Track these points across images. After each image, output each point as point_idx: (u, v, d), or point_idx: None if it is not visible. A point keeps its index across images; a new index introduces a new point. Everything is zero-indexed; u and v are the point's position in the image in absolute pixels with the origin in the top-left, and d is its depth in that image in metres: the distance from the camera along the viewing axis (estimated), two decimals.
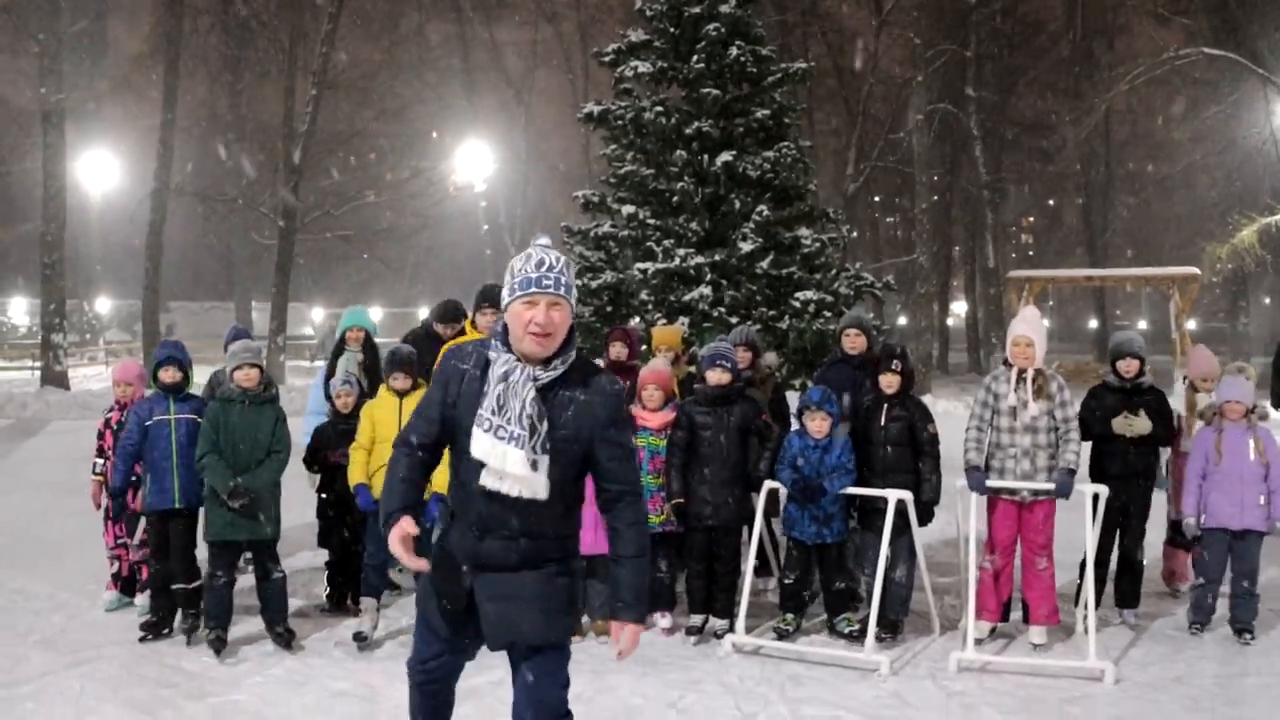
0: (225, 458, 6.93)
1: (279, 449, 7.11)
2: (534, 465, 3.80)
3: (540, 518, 3.92)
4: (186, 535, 7.21)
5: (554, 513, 3.95)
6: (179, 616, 7.25)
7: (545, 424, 3.82)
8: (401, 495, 3.98)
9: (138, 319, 35.59)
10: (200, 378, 8.24)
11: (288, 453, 7.19)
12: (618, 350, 8.80)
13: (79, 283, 46.36)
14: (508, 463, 3.79)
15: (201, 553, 7.21)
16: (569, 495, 4.02)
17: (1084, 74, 42.44)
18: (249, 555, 7.73)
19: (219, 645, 6.92)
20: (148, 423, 7.12)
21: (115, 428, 7.76)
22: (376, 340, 9.39)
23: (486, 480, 3.84)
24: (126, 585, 7.95)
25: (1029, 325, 7.36)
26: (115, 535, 7.88)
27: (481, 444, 3.83)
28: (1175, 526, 8.22)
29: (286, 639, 7.08)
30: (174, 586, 7.16)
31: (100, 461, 7.87)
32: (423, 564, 3.96)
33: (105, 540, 7.96)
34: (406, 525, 3.87)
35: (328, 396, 8.23)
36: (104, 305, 58.30)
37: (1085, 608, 7.12)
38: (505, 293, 3.89)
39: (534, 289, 3.81)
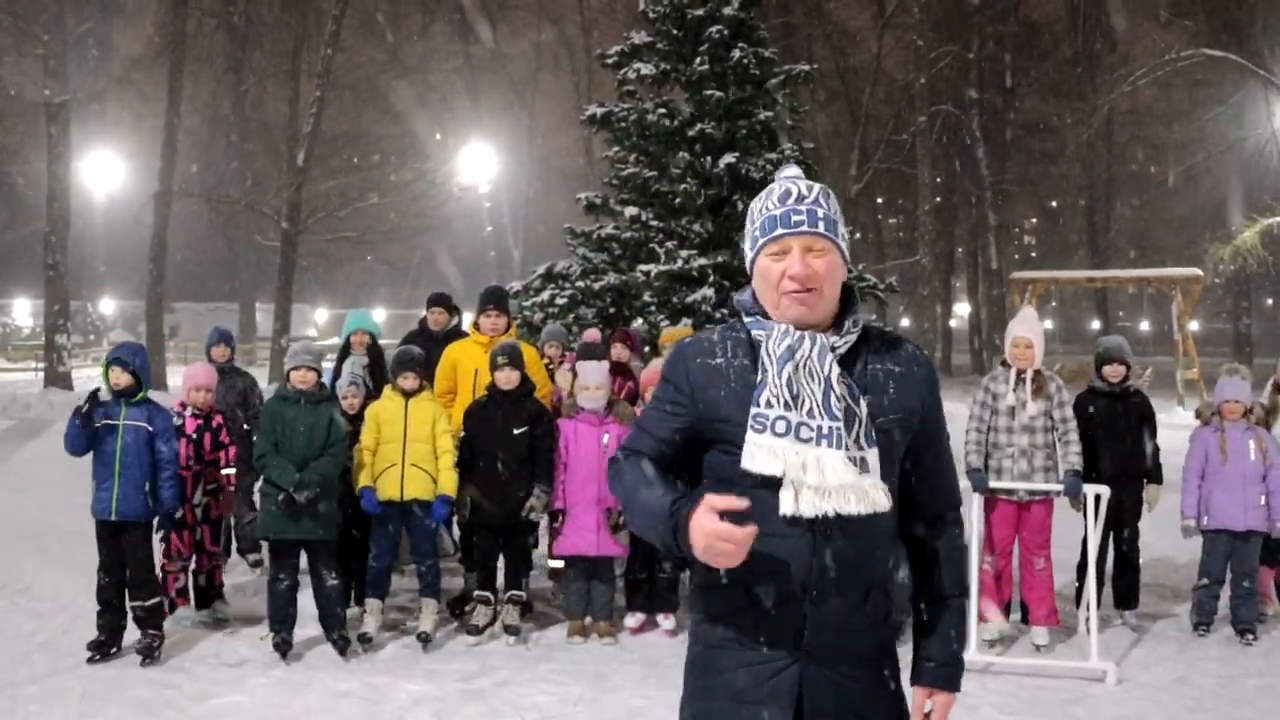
0: (285, 456, 6.89)
1: (335, 451, 7.06)
2: (860, 465, 2.60)
3: (882, 549, 2.68)
4: (142, 548, 6.85)
5: (890, 540, 2.71)
6: (139, 635, 6.86)
7: (864, 406, 2.63)
8: (661, 492, 2.66)
9: (142, 320, 35.66)
10: None
11: (344, 451, 7.16)
12: (619, 351, 8.81)
13: (83, 284, 46.48)
14: (826, 471, 2.56)
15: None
16: (896, 510, 2.72)
17: (1086, 75, 42.46)
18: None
19: (284, 649, 6.89)
20: (97, 425, 6.77)
21: (194, 436, 7.59)
22: (381, 343, 9.41)
23: (792, 506, 2.56)
24: (199, 598, 7.74)
25: (1028, 326, 7.42)
26: (190, 546, 7.60)
27: (770, 453, 2.59)
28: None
29: (342, 645, 7.01)
30: (131, 604, 6.85)
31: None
32: (748, 532, 2.47)
33: (176, 550, 7.62)
34: (711, 503, 2.50)
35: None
36: (108, 306, 58.44)
37: (1087, 608, 7.14)
38: (746, 247, 2.79)
39: (780, 229, 2.67)
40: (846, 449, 2.58)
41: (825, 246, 2.67)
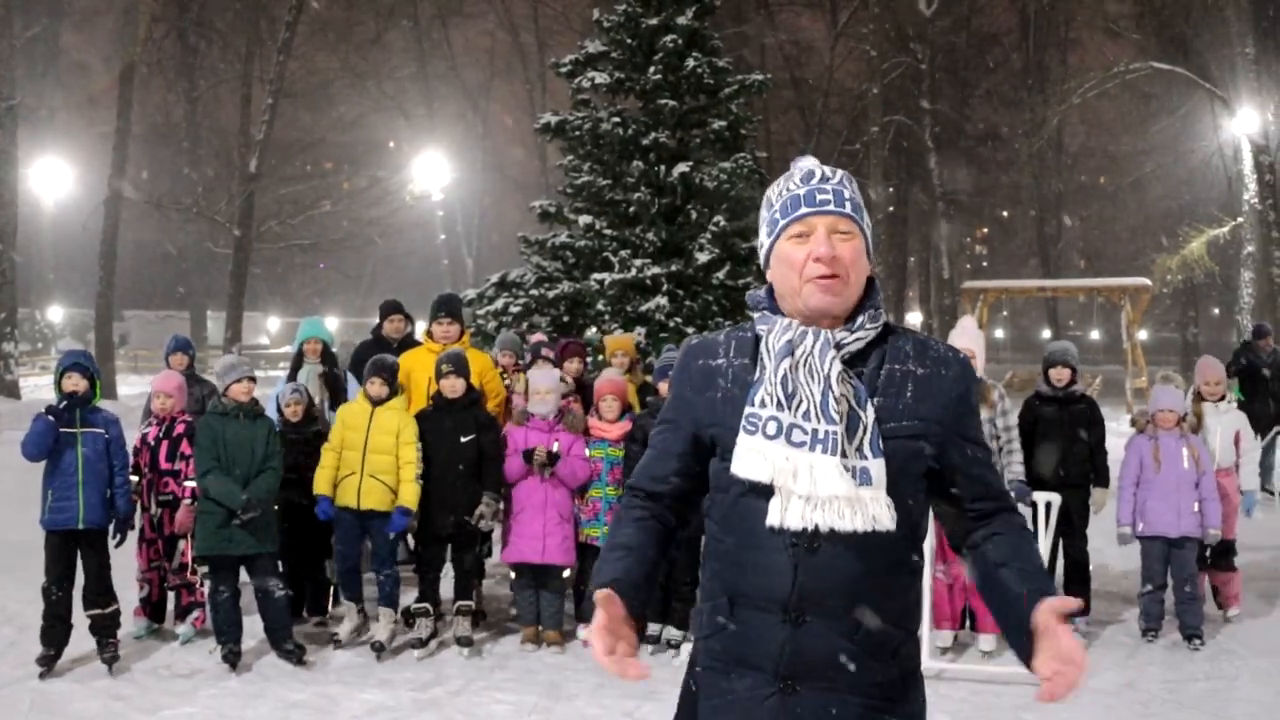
0: (228, 472, 6.81)
1: (273, 463, 6.98)
2: (859, 476, 2.36)
3: (886, 577, 2.42)
4: (99, 557, 6.78)
5: (901, 566, 2.45)
6: (99, 645, 6.81)
7: (871, 410, 2.39)
8: (613, 563, 2.52)
9: (91, 328, 35.26)
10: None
11: (281, 464, 7.07)
12: (578, 366, 8.76)
13: (31, 291, 45.86)
14: (818, 480, 2.35)
15: (119, 577, 6.98)
16: (915, 531, 2.49)
17: (1037, 87, 42.92)
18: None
19: (233, 660, 6.82)
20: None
21: (153, 444, 7.46)
22: (334, 350, 9.33)
23: (778, 516, 2.38)
24: (156, 610, 7.63)
25: (969, 337, 7.50)
26: (150, 558, 7.50)
27: (759, 457, 2.39)
28: (1220, 548, 8.04)
29: (298, 655, 6.95)
30: (90, 613, 6.74)
31: (136, 480, 7.30)
32: (635, 668, 2.35)
33: (138, 563, 7.55)
34: (610, 607, 2.40)
35: None
36: (56, 314, 57.62)
37: None
38: (763, 234, 2.56)
39: (805, 208, 2.45)
40: (844, 456, 2.35)
41: (851, 230, 2.45)
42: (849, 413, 2.38)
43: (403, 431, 7.29)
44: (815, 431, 2.36)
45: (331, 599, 7.97)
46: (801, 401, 2.38)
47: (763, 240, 2.56)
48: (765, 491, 2.39)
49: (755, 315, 2.55)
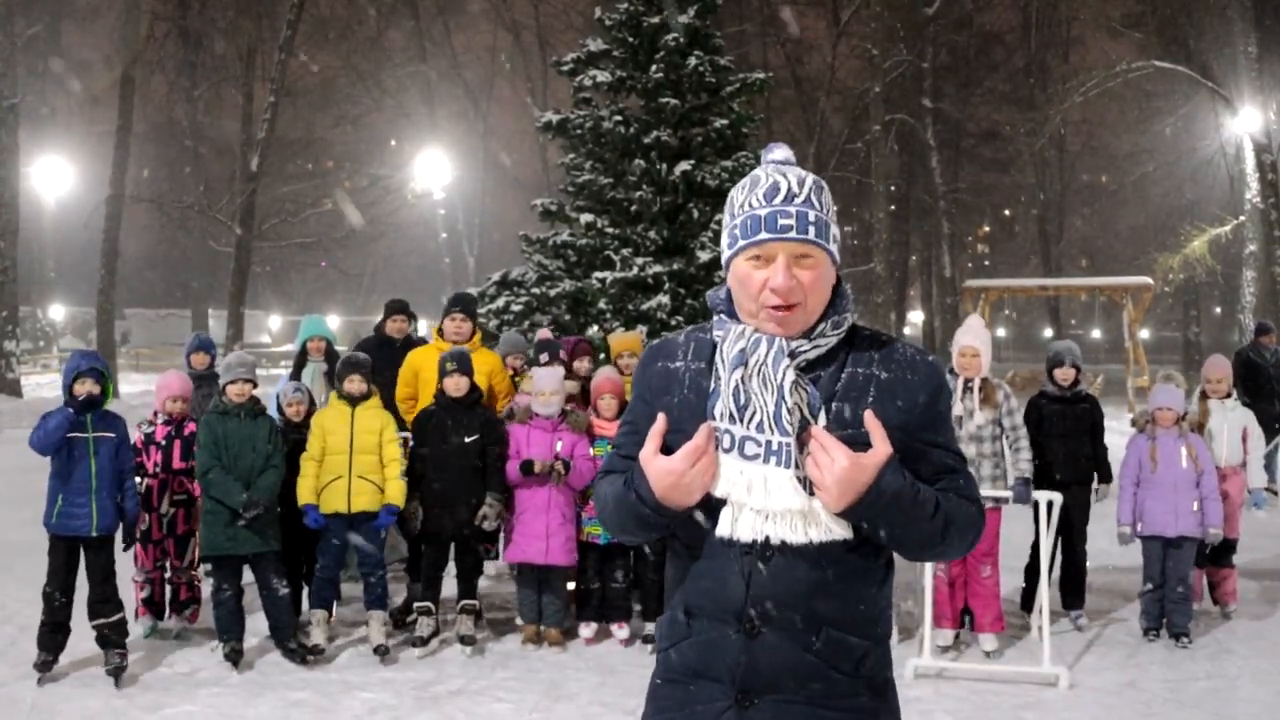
0: (230, 472, 6.80)
1: (275, 461, 6.97)
2: (813, 486, 2.27)
3: (844, 586, 2.35)
4: (106, 562, 6.65)
5: (861, 575, 2.37)
6: (106, 654, 6.66)
7: (823, 419, 2.30)
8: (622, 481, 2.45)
9: (92, 327, 35.28)
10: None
11: (283, 462, 7.05)
12: (586, 365, 8.72)
13: (32, 289, 45.88)
14: (771, 493, 2.27)
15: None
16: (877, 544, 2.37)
17: (1039, 85, 42.91)
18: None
19: (235, 658, 6.82)
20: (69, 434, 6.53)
21: (163, 443, 7.43)
22: (337, 349, 9.30)
23: (729, 528, 2.32)
24: (157, 609, 7.57)
25: (974, 335, 7.48)
26: (155, 558, 7.44)
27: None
28: (1221, 545, 8.03)
29: (301, 654, 6.94)
30: (95, 622, 6.61)
31: (141, 480, 7.24)
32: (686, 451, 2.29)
33: (141, 562, 7.47)
34: (650, 450, 2.34)
35: None
36: (58, 313, 57.70)
37: (1039, 614, 7.21)
38: (724, 243, 2.43)
39: (765, 234, 2.30)
40: (798, 468, 2.27)
41: (814, 254, 2.32)
42: (801, 422, 2.29)
43: (385, 429, 7.26)
44: (769, 444, 2.29)
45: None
46: (754, 413, 2.30)
47: (724, 247, 2.44)
48: (718, 502, 2.33)
49: (715, 319, 2.46)
